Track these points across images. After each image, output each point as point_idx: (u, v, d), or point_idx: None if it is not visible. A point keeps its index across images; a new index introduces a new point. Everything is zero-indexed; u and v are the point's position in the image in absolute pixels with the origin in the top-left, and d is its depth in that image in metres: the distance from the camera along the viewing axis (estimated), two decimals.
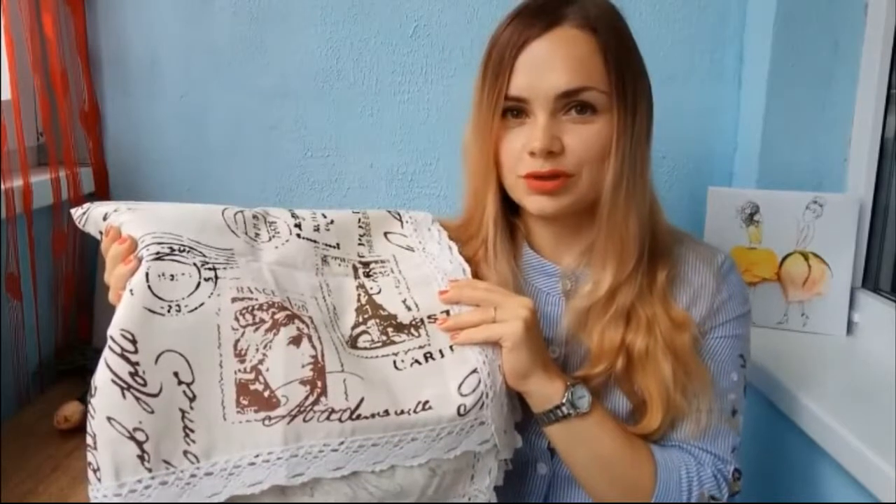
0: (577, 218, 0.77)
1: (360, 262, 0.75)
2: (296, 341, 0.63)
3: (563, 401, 0.69)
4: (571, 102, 0.71)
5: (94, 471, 0.58)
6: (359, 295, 0.72)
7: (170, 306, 0.61)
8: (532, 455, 0.77)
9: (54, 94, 1.17)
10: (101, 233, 0.69)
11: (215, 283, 0.64)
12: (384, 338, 0.69)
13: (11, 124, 1.10)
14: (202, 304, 0.62)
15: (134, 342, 0.59)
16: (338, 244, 0.75)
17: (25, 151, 1.12)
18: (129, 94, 1.25)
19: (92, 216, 0.71)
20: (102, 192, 1.25)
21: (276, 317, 0.64)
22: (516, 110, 0.73)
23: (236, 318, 0.63)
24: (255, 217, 0.73)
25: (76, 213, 0.72)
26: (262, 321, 0.63)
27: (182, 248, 0.64)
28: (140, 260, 0.62)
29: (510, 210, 0.80)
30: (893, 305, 1.01)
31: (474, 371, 0.66)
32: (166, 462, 0.58)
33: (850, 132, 1.12)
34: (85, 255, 1.25)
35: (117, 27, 1.23)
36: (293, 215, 0.75)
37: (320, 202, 1.27)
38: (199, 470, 0.59)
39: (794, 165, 1.13)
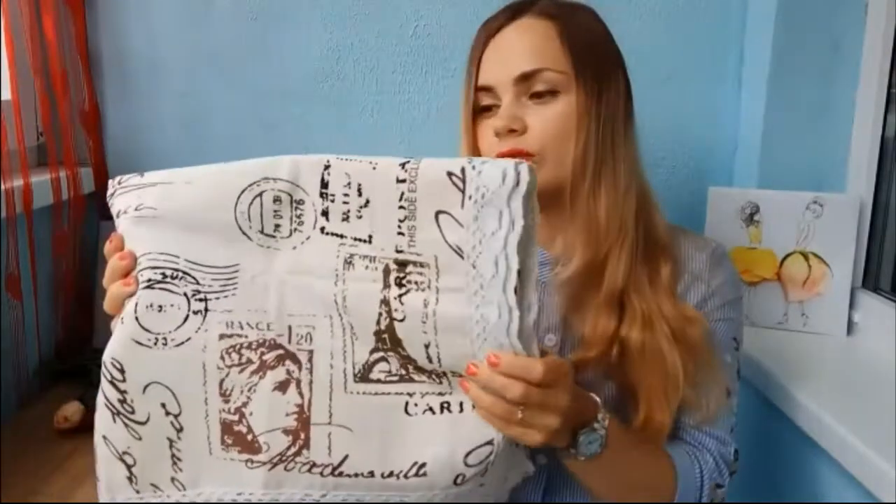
0: (561, 204, 0.77)
1: (395, 262, 0.59)
2: (282, 387, 0.62)
3: (569, 448, 0.65)
4: (531, 86, 0.74)
5: (97, 480, 0.62)
6: (379, 315, 0.59)
7: (156, 339, 0.61)
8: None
9: (54, 94, 1.17)
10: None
11: (204, 316, 0.62)
12: (403, 372, 0.60)
13: (11, 124, 1.10)
14: (188, 339, 0.62)
15: (122, 371, 0.60)
16: (370, 237, 0.60)
17: (25, 151, 1.12)
18: (129, 94, 1.25)
19: (114, 206, 0.67)
20: (102, 192, 1.25)
21: (265, 358, 0.62)
22: (490, 106, 0.77)
23: (222, 357, 0.62)
24: (276, 200, 0.62)
25: (112, 184, 0.67)
26: (250, 361, 0.62)
27: (175, 275, 0.62)
28: (137, 283, 0.63)
29: None
30: (893, 305, 1.01)
31: (489, 443, 0.58)
32: (154, 486, 0.60)
33: (850, 132, 1.12)
34: (85, 255, 1.24)
35: (117, 28, 1.23)
36: (322, 194, 0.61)
37: None
38: (185, 497, 0.60)
39: (794, 165, 1.13)
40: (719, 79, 1.20)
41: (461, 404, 0.59)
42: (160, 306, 0.62)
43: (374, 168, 0.60)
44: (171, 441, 0.61)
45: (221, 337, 0.62)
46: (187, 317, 0.62)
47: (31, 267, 1.11)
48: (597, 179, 0.74)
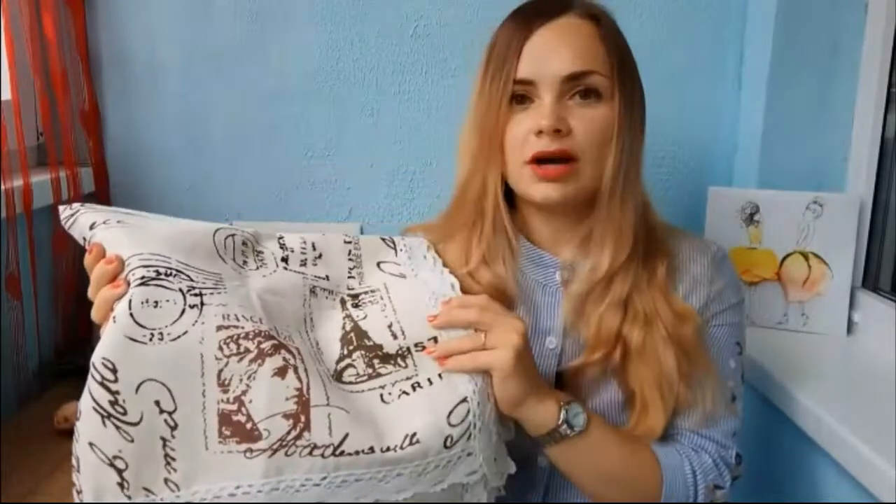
0: (577, 208, 0.78)
1: (350, 295, 0.74)
2: (281, 372, 0.62)
3: (560, 422, 0.69)
4: (577, 86, 0.74)
5: (78, 492, 0.59)
6: (344, 323, 0.71)
7: (152, 334, 0.60)
8: (532, 448, 0.77)
9: (54, 94, 1.17)
10: (84, 239, 0.68)
11: (200, 309, 0.63)
12: (370, 370, 0.68)
13: (11, 124, 1.10)
14: (185, 333, 0.61)
15: (114, 371, 0.58)
16: (327, 276, 0.75)
17: (25, 151, 1.12)
18: (129, 94, 1.25)
19: (79, 222, 0.69)
20: (102, 192, 1.25)
21: (262, 346, 0.63)
22: (521, 96, 0.75)
23: (220, 348, 0.62)
24: (244, 244, 0.73)
25: (64, 212, 0.71)
26: (248, 350, 0.62)
27: (169, 272, 0.63)
28: (128, 284, 0.62)
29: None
30: (893, 305, 1.01)
31: (464, 400, 0.65)
32: (146, 489, 0.58)
33: (850, 132, 1.12)
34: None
35: (117, 27, 1.23)
36: (281, 246, 0.74)
37: (320, 202, 1.27)
38: (179, 498, 0.58)
39: (794, 165, 1.13)
40: (719, 79, 1.20)
41: (429, 379, 0.67)
42: (156, 302, 0.61)
43: (324, 235, 0.77)
44: (164, 440, 0.59)
45: (219, 328, 0.62)
46: (183, 310, 0.62)
47: (31, 267, 1.11)
48: (627, 186, 0.75)
